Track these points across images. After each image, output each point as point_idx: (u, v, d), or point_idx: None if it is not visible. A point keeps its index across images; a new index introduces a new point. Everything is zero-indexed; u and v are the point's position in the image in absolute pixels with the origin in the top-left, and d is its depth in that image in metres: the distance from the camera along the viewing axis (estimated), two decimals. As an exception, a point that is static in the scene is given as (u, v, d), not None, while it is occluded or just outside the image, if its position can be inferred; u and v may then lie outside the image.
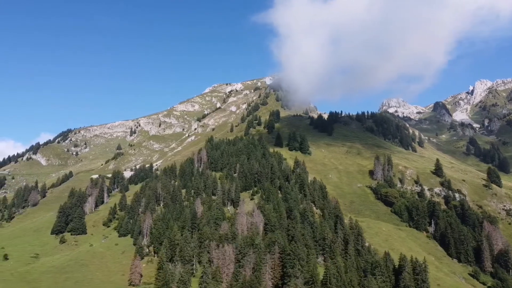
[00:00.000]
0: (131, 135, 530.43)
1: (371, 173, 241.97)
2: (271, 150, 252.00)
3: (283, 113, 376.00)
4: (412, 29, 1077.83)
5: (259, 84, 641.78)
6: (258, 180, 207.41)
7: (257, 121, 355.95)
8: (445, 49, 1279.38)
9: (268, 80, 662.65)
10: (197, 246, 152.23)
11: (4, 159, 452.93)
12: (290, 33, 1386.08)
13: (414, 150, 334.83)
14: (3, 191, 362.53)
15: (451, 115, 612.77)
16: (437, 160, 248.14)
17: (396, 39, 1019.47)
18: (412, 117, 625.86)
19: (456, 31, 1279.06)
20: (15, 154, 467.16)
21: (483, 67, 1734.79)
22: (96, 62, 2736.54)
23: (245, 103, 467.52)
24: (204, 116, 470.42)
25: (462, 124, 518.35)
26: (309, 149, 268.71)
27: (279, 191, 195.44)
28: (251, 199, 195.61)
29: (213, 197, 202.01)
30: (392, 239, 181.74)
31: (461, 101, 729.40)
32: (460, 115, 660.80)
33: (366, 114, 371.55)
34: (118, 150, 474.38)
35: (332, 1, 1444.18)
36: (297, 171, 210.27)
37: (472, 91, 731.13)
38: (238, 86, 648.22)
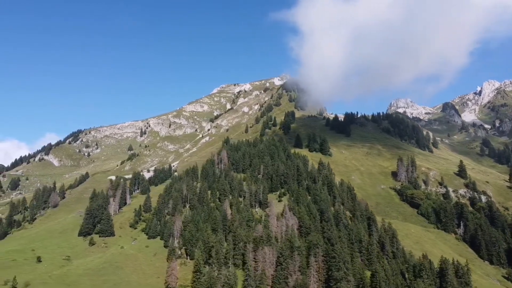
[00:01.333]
0: (141, 136, 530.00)
1: (394, 174, 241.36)
2: (292, 151, 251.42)
3: (297, 114, 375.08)
4: (434, 28, 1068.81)
5: (267, 84, 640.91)
6: (285, 181, 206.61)
7: (272, 122, 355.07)
8: (464, 49, 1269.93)
9: (277, 81, 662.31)
10: (232, 249, 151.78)
11: (16, 159, 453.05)
12: (311, 32, 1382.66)
13: (431, 151, 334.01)
14: (18, 192, 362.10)
15: (460, 116, 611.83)
16: (461, 161, 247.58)
17: (416, 39, 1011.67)
18: (421, 117, 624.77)
19: (476, 31, 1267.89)
20: (27, 155, 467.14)
21: (491, 68, 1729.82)
22: (96, 62, 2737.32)
23: (257, 103, 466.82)
24: (216, 117, 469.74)
25: (473, 125, 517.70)
26: (330, 150, 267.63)
27: (306, 193, 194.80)
28: (279, 201, 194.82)
29: (239, 199, 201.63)
30: (422, 241, 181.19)
31: (469, 102, 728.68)
32: (468, 116, 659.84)
33: (381, 115, 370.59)
34: (130, 151, 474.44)
35: (355, 1, 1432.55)
36: (324, 172, 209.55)
37: (480, 91, 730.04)
38: (247, 86, 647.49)
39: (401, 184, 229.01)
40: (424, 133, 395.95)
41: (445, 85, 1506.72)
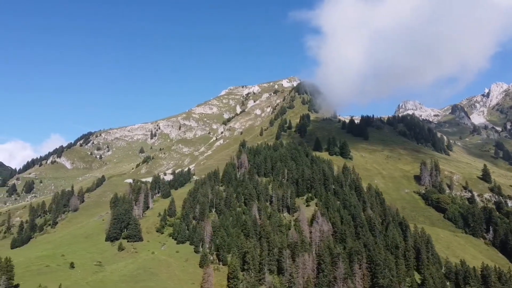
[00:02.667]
0: (151, 138, 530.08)
1: (417, 178, 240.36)
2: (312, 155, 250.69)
3: (311, 117, 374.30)
4: (455, 31, 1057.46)
5: (276, 86, 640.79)
6: (311, 186, 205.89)
7: (287, 125, 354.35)
8: (485, 52, 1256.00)
9: (285, 83, 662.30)
10: (267, 255, 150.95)
11: (27, 162, 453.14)
12: (331, 33, 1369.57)
13: (447, 155, 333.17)
14: (32, 195, 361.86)
15: (469, 118, 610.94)
16: (484, 165, 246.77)
17: (437, 42, 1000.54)
18: (430, 119, 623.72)
19: (498, 34, 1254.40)
20: (38, 157, 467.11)
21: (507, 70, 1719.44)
22: (100, 63, 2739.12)
23: (268, 106, 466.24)
24: (229, 120, 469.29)
25: (485, 127, 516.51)
26: (350, 153, 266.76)
27: (334, 197, 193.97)
28: (307, 206, 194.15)
29: (266, 204, 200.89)
30: (453, 246, 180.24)
31: (477, 104, 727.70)
32: (477, 118, 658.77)
33: (396, 117, 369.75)
34: (141, 154, 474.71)
35: (378, 2, 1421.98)
36: (351, 176, 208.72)
37: (488, 93, 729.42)
38: (255, 88, 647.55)
39: (425, 188, 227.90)
40: (438, 135, 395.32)
41: (461, 88, 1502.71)
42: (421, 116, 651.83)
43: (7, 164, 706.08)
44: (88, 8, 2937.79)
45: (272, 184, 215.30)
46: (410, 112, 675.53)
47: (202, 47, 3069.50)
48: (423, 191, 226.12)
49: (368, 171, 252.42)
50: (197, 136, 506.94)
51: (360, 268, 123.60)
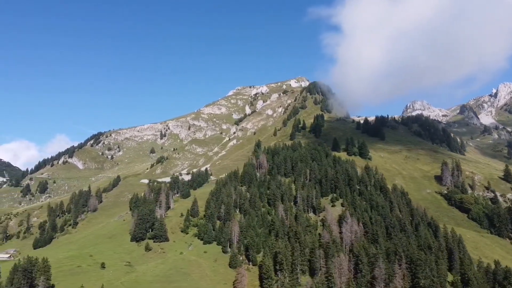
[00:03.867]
0: (161, 138, 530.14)
1: (437, 178, 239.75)
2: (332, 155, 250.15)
3: (325, 117, 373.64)
4: (476, 32, 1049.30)
5: (284, 87, 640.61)
6: (335, 186, 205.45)
7: (301, 125, 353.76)
8: (504, 53, 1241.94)
9: (293, 83, 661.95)
10: (299, 255, 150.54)
11: (39, 162, 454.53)
12: (351, 31, 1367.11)
13: (463, 155, 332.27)
14: (47, 195, 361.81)
15: (478, 118, 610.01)
16: (506, 166, 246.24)
17: (458, 42, 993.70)
18: (439, 120, 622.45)
19: None
20: (49, 157, 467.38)
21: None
22: (100, 63, 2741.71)
23: (280, 106, 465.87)
24: (240, 120, 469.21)
25: (496, 128, 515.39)
26: (369, 154, 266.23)
27: (359, 197, 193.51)
28: (332, 206, 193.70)
29: (289, 204, 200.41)
30: (480, 247, 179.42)
31: (484, 104, 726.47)
32: (485, 118, 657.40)
33: (410, 117, 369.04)
34: (152, 154, 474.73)
35: (401, 1, 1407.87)
36: (376, 177, 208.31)
37: (496, 93, 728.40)
38: (264, 88, 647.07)
39: (447, 189, 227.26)
40: (452, 136, 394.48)
41: (476, 89, 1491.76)
42: (429, 116, 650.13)
43: (14, 164, 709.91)
44: (99, 9, 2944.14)
45: (296, 184, 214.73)
46: (418, 112, 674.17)
47: (209, 47, 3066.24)
48: (445, 191, 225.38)
49: (388, 171, 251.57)
50: (207, 136, 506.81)
51: (400, 268, 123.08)
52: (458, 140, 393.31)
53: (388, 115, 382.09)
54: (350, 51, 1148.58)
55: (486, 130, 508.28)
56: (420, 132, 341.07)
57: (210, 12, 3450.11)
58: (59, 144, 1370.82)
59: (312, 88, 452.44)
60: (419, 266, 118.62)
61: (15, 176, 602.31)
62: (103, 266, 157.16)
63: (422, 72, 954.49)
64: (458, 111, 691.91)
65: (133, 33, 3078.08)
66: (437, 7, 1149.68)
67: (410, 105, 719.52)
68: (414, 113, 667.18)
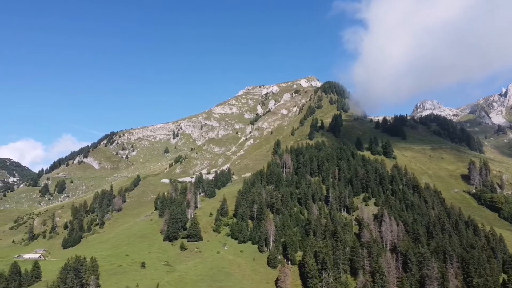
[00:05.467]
0: (174, 138, 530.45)
1: (464, 178, 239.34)
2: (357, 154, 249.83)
3: (343, 116, 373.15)
4: (505, 30, 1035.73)
5: (294, 86, 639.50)
6: (367, 185, 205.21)
7: (319, 125, 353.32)
8: None
9: (303, 83, 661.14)
10: (342, 254, 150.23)
11: (54, 162, 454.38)
12: (376, 27, 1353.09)
13: (483, 154, 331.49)
14: (65, 195, 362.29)
15: (490, 118, 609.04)
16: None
17: (483, 41, 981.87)
18: (450, 119, 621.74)
19: None
20: (63, 157, 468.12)
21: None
22: (107, 63, 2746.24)
23: (294, 106, 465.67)
24: (256, 119, 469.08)
25: (510, 127, 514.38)
26: (393, 153, 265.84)
27: (392, 197, 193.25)
28: (366, 205, 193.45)
29: (320, 203, 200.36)
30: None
31: (494, 104, 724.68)
32: (495, 118, 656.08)
33: (429, 117, 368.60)
34: (166, 153, 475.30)
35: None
36: (408, 176, 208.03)
37: (506, 93, 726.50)
38: (274, 88, 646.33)
39: (475, 188, 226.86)
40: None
41: (495, 88, 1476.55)
42: (440, 115, 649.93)
43: (24, 165, 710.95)
44: (108, 10, 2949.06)
45: (326, 184, 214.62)
46: (428, 111, 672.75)
47: (217, 47, 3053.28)
48: (474, 191, 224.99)
49: (413, 171, 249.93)
50: (220, 136, 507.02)
51: (452, 267, 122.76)
52: (475, 139, 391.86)
53: (406, 114, 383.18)
54: (374, 47, 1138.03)
55: (500, 129, 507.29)
56: (439, 131, 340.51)
57: (218, 11, 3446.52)
58: (66, 144, 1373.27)
59: (327, 88, 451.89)
60: (471, 265, 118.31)
61: (25, 175, 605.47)
62: (143, 265, 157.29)
63: (445, 71, 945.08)
64: (467, 110, 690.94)
65: (140, 33, 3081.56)
66: (467, 6, 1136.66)
67: (420, 105, 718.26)
68: (424, 113, 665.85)
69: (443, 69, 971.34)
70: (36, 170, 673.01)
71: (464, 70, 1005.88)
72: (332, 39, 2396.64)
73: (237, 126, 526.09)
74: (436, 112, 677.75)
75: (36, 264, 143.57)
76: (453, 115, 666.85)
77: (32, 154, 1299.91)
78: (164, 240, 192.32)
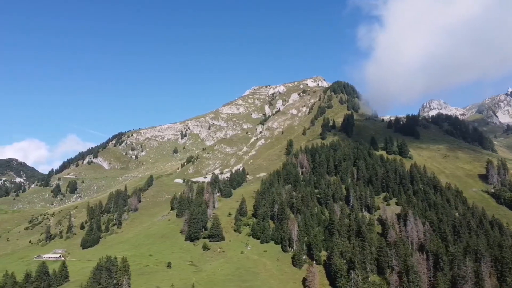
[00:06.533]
0: (182, 138, 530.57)
1: (482, 177, 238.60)
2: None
3: (354, 116, 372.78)
4: None
5: (301, 86, 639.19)
6: (387, 185, 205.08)
7: (331, 124, 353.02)
8: None
9: (310, 82, 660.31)
10: (369, 253, 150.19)
11: (63, 162, 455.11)
12: (392, 24, 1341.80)
13: (496, 153, 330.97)
14: (77, 195, 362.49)
15: (497, 117, 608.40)
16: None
17: (500, 38, 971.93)
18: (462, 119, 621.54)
19: None
20: (73, 158, 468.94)
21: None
22: (109, 64, 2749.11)
23: (304, 106, 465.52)
24: (265, 119, 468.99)
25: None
26: (409, 152, 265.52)
27: (414, 197, 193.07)
28: (387, 205, 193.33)
29: (340, 202, 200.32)
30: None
31: (500, 103, 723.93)
32: (503, 117, 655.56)
33: (440, 116, 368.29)
34: (175, 154, 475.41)
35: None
36: (428, 175, 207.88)
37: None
38: (281, 88, 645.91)
39: (494, 187, 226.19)
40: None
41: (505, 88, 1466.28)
42: (451, 115, 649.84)
43: (30, 165, 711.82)
44: (114, 10, 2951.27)
45: (345, 183, 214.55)
46: (435, 111, 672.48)
47: (223, 47, 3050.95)
48: (492, 190, 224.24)
49: (430, 170, 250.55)
50: (228, 136, 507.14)
51: (486, 267, 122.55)
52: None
53: (412, 114, 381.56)
54: (389, 44, 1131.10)
55: (509, 129, 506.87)
56: (452, 131, 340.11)
57: (218, 12, 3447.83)
58: (70, 144, 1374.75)
59: (337, 87, 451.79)
60: (506, 264, 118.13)
61: (32, 176, 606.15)
62: (169, 265, 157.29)
63: (459, 69, 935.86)
64: (474, 110, 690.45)
65: (143, 34, 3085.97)
66: (484, 4, 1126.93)
67: (426, 104, 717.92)
68: (431, 113, 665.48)
69: (457, 68, 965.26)
70: (40, 170, 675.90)
71: (479, 68, 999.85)
72: (342, 38, 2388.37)
73: (245, 126, 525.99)
74: (443, 111, 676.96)
75: (64, 264, 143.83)
76: (460, 114, 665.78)
77: (36, 154, 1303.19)
78: (185, 240, 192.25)
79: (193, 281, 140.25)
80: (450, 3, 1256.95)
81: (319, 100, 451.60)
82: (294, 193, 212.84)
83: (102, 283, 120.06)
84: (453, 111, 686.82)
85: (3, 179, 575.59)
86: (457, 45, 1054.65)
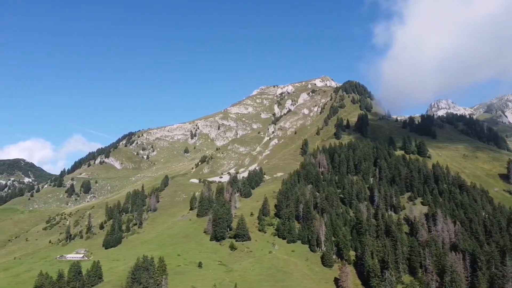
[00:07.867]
0: (191, 138, 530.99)
1: (503, 177, 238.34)
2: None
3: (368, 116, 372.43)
4: None
5: (309, 86, 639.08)
6: (411, 184, 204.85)
7: (345, 124, 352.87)
8: None
9: (318, 82, 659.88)
10: (401, 253, 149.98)
11: (75, 162, 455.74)
12: (412, 20, 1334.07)
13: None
14: (91, 195, 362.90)
15: (507, 117, 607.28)
16: None
17: None
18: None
19: None
20: (84, 157, 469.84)
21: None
22: (113, 64, 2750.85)
23: (315, 105, 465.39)
24: (277, 119, 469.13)
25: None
26: (428, 152, 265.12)
27: (439, 196, 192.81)
28: (413, 204, 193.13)
29: (365, 202, 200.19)
30: None
31: (508, 103, 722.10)
32: (511, 117, 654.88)
33: (455, 116, 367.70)
34: (186, 153, 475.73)
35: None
36: (452, 175, 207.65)
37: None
38: (289, 88, 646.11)
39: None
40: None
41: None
42: (465, 115, 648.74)
43: (38, 166, 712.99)
44: (121, 10, 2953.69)
45: (369, 183, 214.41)
46: (443, 111, 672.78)
47: (230, 46, 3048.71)
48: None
49: (450, 170, 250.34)
50: (238, 135, 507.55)
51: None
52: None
53: (426, 114, 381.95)
54: (408, 41, 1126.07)
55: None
56: (467, 131, 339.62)
57: (219, 12, 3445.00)
58: (76, 144, 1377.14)
59: (348, 87, 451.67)
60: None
61: (39, 176, 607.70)
62: (200, 265, 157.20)
63: (478, 68, 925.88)
64: (481, 110, 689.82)
65: (151, 34, 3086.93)
66: (506, 2, 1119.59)
67: (434, 104, 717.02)
68: (439, 112, 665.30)
69: (474, 67, 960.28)
70: (45, 169, 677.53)
71: (496, 67, 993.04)
72: (354, 36, 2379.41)
73: (255, 126, 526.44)
74: (451, 111, 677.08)
75: (98, 264, 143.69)
76: (469, 114, 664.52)
77: (40, 153, 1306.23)
78: (210, 240, 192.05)
79: (227, 281, 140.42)
80: (470, 1, 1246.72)
81: (331, 100, 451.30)
82: (317, 193, 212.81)
83: (143, 283, 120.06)
84: (461, 110, 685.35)
85: (12, 179, 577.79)
86: (474, 43, 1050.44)
